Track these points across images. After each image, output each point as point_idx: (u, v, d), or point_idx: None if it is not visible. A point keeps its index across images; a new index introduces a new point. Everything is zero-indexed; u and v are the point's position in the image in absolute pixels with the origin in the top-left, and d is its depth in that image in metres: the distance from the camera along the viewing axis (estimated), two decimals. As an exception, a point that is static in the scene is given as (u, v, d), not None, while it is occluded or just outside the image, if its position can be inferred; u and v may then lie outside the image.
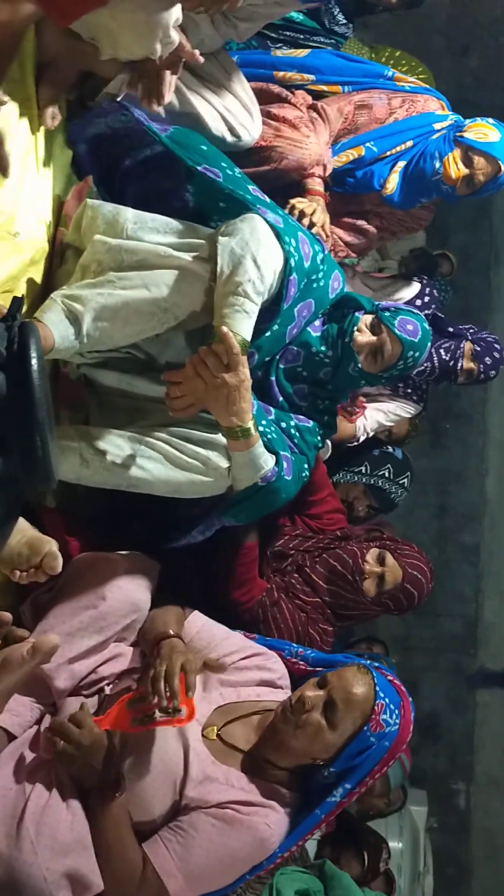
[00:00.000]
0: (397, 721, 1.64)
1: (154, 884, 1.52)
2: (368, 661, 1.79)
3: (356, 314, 1.95)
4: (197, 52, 1.77)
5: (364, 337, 1.95)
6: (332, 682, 1.64)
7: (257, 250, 1.65)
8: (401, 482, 3.04)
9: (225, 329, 1.61)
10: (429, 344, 2.02)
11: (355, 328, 1.94)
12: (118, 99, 1.88)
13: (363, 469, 3.02)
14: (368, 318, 1.96)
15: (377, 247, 3.03)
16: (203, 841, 1.54)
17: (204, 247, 1.70)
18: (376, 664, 1.74)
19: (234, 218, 1.71)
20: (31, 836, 1.46)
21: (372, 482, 3.01)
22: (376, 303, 1.99)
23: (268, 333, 1.81)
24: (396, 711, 1.65)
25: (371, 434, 3.08)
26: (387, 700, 1.64)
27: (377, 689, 1.64)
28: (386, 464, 3.04)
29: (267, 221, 1.72)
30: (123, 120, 1.83)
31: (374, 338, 1.95)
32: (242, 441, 1.72)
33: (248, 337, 1.66)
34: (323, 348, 1.94)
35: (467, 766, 4.96)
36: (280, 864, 1.75)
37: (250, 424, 1.71)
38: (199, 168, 1.78)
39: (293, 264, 1.74)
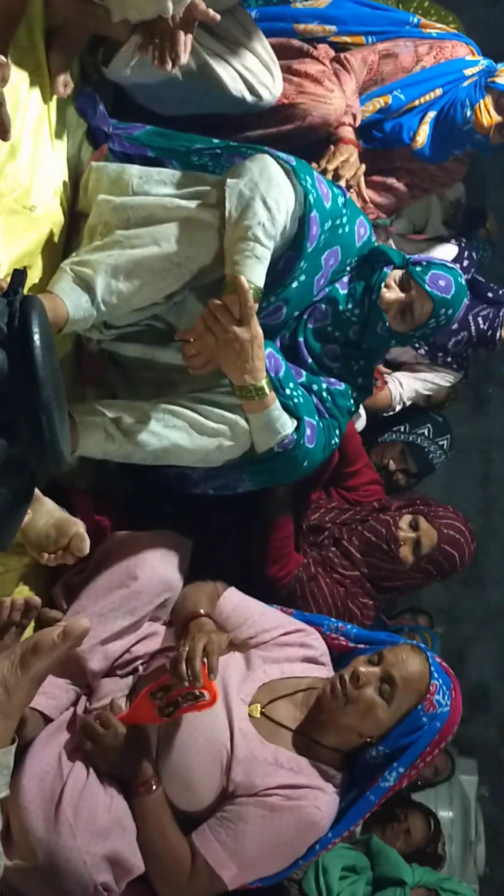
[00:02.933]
0: (448, 703, 1.61)
1: (206, 875, 1.51)
2: (415, 641, 1.76)
3: (385, 269, 1.83)
4: (211, 10, 1.69)
5: (392, 294, 1.82)
6: (388, 660, 1.61)
7: (267, 190, 1.56)
8: (440, 443, 2.96)
9: (242, 278, 1.54)
10: (465, 300, 1.88)
11: (383, 284, 1.82)
12: (131, 63, 1.82)
13: (402, 428, 2.95)
14: (397, 274, 1.83)
15: (408, 205, 2.90)
16: (253, 832, 1.52)
17: (212, 193, 1.63)
18: (421, 645, 1.69)
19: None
20: (70, 819, 1.45)
21: (411, 439, 2.93)
22: (408, 257, 1.86)
23: (294, 284, 1.72)
24: (448, 693, 1.62)
25: (408, 403, 3.00)
26: (440, 681, 1.61)
27: (432, 669, 1.62)
28: (426, 423, 2.97)
29: (278, 158, 1.63)
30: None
31: (403, 295, 1.82)
32: (257, 401, 1.65)
33: (261, 284, 1.59)
34: (349, 306, 1.83)
35: (518, 735, 4.90)
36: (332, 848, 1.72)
37: (264, 383, 1.64)
38: (193, 148, 1.73)
39: (312, 200, 1.63)
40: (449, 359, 2.98)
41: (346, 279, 1.85)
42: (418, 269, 1.83)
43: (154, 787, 1.52)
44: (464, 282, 1.88)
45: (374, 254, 1.86)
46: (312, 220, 1.65)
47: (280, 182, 1.59)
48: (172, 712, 1.51)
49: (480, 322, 2.89)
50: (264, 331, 1.68)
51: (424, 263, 1.85)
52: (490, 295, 2.94)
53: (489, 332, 2.89)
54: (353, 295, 1.84)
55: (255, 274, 1.57)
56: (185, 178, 1.69)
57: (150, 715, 1.52)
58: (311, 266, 1.72)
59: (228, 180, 1.60)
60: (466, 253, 2.97)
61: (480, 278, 3.01)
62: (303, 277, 1.72)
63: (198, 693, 1.48)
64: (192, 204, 1.62)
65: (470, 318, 2.87)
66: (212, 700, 1.50)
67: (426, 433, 2.95)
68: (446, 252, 2.94)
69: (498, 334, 2.89)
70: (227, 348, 1.58)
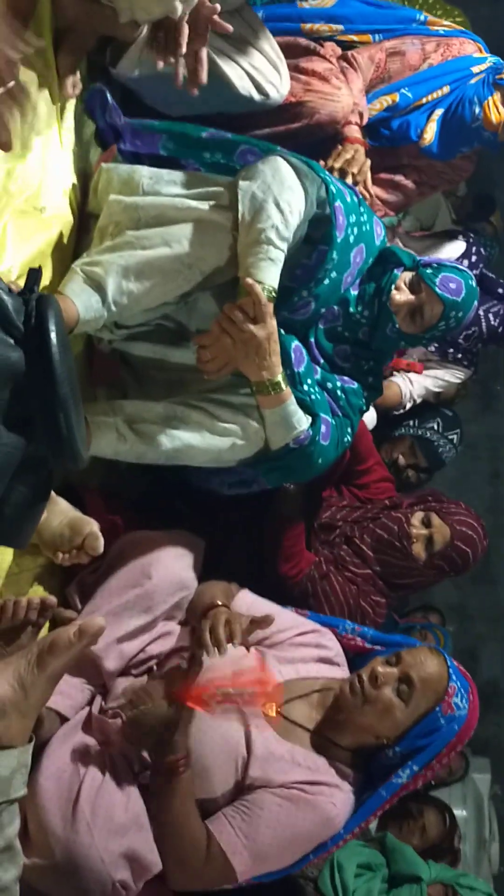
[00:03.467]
0: (466, 706, 1.62)
1: (220, 861, 1.51)
2: (427, 640, 1.77)
3: (395, 271, 1.83)
4: (217, 6, 1.69)
5: (402, 296, 1.82)
6: (406, 661, 1.61)
7: (280, 193, 1.57)
8: (450, 437, 2.96)
9: (249, 280, 1.56)
10: (475, 303, 1.88)
11: (393, 286, 1.82)
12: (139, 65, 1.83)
13: (412, 422, 2.95)
14: (408, 276, 1.83)
15: (416, 203, 2.90)
16: (269, 820, 1.52)
17: (223, 194, 1.64)
18: (440, 649, 1.69)
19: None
20: (87, 817, 1.46)
21: (420, 433, 2.93)
22: (418, 258, 1.86)
23: (326, 281, 1.73)
24: (466, 696, 1.63)
25: (418, 401, 2.99)
26: (458, 684, 1.62)
27: (450, 671, 1.62)
28: (436, 417, 2.97)
29: (289, 159, 1.63)
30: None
31: (413, 297, 1.82)
32: (273, 396, 1.66)
33: (276, 284, 1.60)
34: (359, 308, 1.84)
35: (530, 733, 4.89)
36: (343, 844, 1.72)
37: (280, 378, 1.66)
38: (203, 135, 1.72)
39: (334, 191, 1.64)
40: (459, 355, 2.98)
41: (357, 280, 1.86)
42: (429, 271, 1.83)
43: (183, 770, 1.51)
44: (474, 284, 1.87)
45: (385, 255, 1.86)
46: (337, 209, 1.66)
47: (292, 184, 1.60)
48: (221, 702, 1.50)
49: (491, 318, 2.89)
50: (290, 326, 1.69)
51: (435, 265, 1.85)
52: (501, 291, 2.94)
53: (500, 329, 2.88)
54: (364, 296, 1.84)
55: (269, 276, 1.58)
56: (195, 179, 1.69)
57: (200, 700, 1.50)
58: (341, 262, 1.73)
59: (241, 182, 1.61)
60: (474, 248, 2.96)
61: (490, 274, 3.01)
62: (334, 274, 1.73)
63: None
64: (204, 205, 1.62)
65: (481, 314, 2.87)
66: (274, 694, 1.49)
67: (436, 427, 2.95)
68: (454, 248, 2.94)
69: None
70: (244, 347, 1.59)
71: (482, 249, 3.01)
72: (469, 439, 3.29)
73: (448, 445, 2.98)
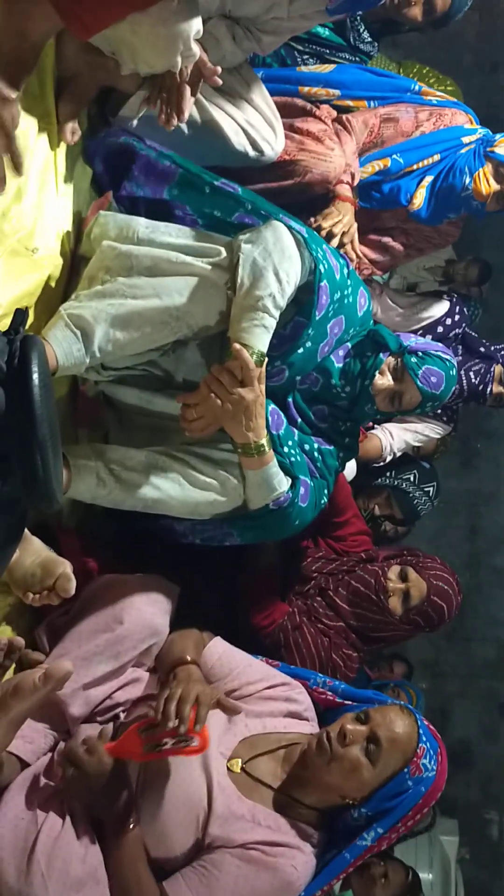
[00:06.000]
0: (435, 768, 1.59)
1: None
2: (400, 699, 1.74)
3: (381, 355, 1.87)
4: (218, 69, 1.74)
5: (384, 381, 1.87)
6: (375, 720, 1.57)
7: (280, 262, 1.60)
8: (426, 489, 2.99)
9: (237, 346, 1.58)
10: (453, 389, 1.95)
11: (377, 371, 1.87)
12: (138, 116, 1.87)
13: (389, 473, 2.98)
14: (392, 361, 1.88)
15: (403, 264, 2.97)
16: (227, 882, 1.48)
17: (221, 253, 1.66)
18: (410, 707, 1.67)
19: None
20: (43, 869, 1.41)
21: (396, 483, 2.96)
22: (405, 344, 1.90)
23: (300, 350, 1.75)
24: (435, 758, 1.59)
25: (398, 454, 3.02)
26: (428, 745, 1.59)
27: (420, 732, 1.59)
28: (412, 469, 3.00)
29: (291, 228, 1.67)
30: (131, 143, 1.81)
31: (394, 384, 1.88)
32: (257, 458, 1.68)
33: (265, 349, 1.62)
34: (341, 382, 1.88)
35: (500, 796, 4.83)
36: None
37: (265, 441, 1.68)
38: (217, 183, 1.75)
39: (323, 270, 1.68)
40: (439, 411, 3.02)
41: (341, 353, 1.89)
42: (413, 359, 1.88)
43: (132, 826, 1.48)
44: (454, 372, 1.94)
45: (374, 336, 1.90)
46: (322, 289, 1.70)
47: (292, 255, 1.63)
48: (159, 751, 1.48)
49: (472, 376, 2.93)
50: (265, 391, 1.70)
51: (420, 354, 1.89)
52: (482, 350, 3.00)
53: (480, 387, 2.93)
54: (347, 373, 1.88)
55: (260, 342, 1.61)
56: (193, 235, 1.72)
57: (136, 750, 1.49)
58: (318, 334, 1.76)
59: (243, 246, 1.63)
60: (458, 308, 3.03)
61: (473, 333, 3.06)
62: (309, 344, 1.76)
63: (187, 737, 1.46)
64: (199, 261, 1.64)
65: (462, 372, 2.91)
66: (201, 747, 1.47)
67: (412, 479, 2.98)
68: (439, 308, 3.00)
69: (489, 389, 2.93)
70: (232, 409, 1.61)
71: (465, 309, 3.07)
72: (448, 495, 3.32)
73: (424, 498, 3.00)
